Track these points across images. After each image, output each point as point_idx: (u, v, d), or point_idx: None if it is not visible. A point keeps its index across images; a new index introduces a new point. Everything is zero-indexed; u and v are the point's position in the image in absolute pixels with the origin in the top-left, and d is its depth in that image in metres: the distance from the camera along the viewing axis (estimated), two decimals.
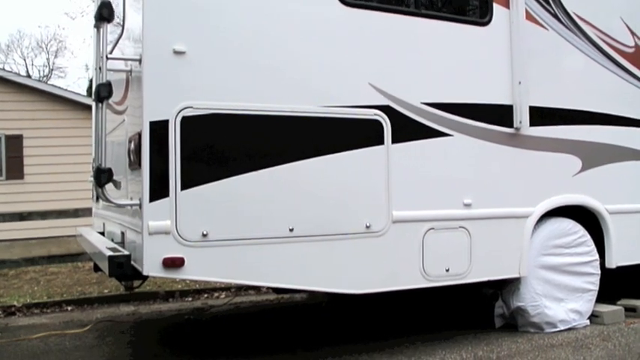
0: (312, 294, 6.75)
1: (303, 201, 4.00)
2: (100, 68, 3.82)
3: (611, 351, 4.60)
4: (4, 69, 17.86)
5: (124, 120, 4.39)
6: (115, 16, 4.02)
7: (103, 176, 3.79)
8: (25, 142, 14.00)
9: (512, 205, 4.85)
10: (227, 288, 7.59)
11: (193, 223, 3.69)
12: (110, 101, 4.15)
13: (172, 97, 3.68)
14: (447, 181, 4.56)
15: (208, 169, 3.76)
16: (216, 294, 7.55)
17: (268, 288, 6.55)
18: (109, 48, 4.30)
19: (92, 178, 4.17)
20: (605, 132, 5.33)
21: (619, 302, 5.66)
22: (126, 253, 3.81)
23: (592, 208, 5.26)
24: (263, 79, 3.93)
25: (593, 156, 5.24)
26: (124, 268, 3.68)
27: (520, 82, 4.80)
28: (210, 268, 3.79)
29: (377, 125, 4.27)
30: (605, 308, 5.41)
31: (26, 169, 14.04)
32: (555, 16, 5.10)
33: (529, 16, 4.93)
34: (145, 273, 3.66)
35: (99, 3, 3.88)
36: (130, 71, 4.10)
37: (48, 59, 35.57)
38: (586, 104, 5.23)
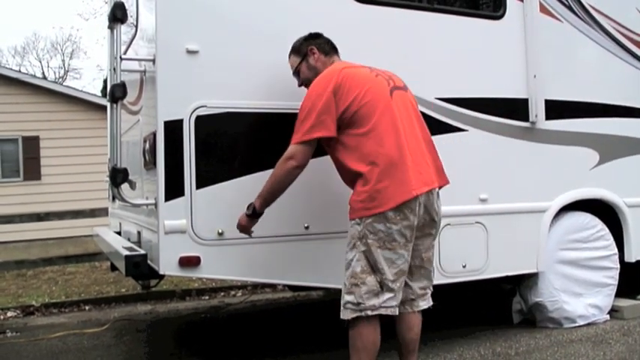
0: (329, 291, 6.73)
1: (319, 198, 3.98)
2: (114, 69, 3.83)
3: (631, 346, 4.55)
4: (20, 71, 18.04)
5: (138, 120, 4.41)
6: (129, 17, 4.03)
7: (118, 176, 3.81)
8: (42, 143, 14.16)
9: (529, 199, 4.80)
10: (243, 286, 7.61)
11: (209, 222, 3.69)
12: (125, 101, 4.16)
13: (186, 96, 3.68)
14: (462, 177, 4.51)
15: (223, 167, 3.76)
16: (232, 292, 7.57)
17: (284, 286, 6.55)
18: (123, 49, 4.32)
19: (108, 178, 4.19)
20: (622, 124, 5.26)
21: (639, 297, 5.60)
22: (142, 252, 3.82)
23: (610, 201, 5.19)
24: (277, 77, 3.92)
25: (611, 149, 5.17)
26: (140, 267, 3.68)
27: (535, 76, 4.75)
28: (226, 266, 3.78)
29: None
30: (625, 303, 5.35)
31: (43, 170, 14.19)
32: (570, 8, 5.04)
33: (543, 9, 4.87)
34: (161, 272, 3.66)
35: (112, 4, 3.89)
36: (144, 71, 4.10)
37: (63, 61, 35.94)
38: (603, 97, 5.16)
